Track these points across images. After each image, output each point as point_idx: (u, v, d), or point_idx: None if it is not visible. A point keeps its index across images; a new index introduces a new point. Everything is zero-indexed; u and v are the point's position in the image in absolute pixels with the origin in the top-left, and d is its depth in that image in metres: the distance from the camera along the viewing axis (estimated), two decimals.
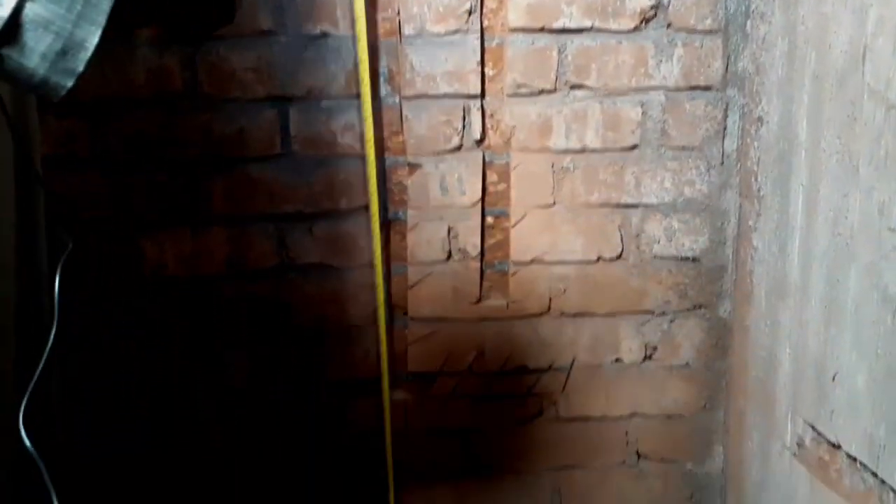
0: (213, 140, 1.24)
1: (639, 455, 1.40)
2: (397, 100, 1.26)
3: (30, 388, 0.80)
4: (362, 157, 1.26)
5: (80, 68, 0.69)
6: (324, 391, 1.33)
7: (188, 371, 1.29)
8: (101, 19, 0.69)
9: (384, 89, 1.26)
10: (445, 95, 1.25)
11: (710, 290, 1.35)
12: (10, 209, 0.84)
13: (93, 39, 0.68)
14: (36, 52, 0.67)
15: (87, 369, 1.26)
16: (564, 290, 1.33)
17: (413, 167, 1.27)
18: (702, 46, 1.27)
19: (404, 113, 1.26)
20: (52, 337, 0.82)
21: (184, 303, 1.28)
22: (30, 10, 0.66)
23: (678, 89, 1.28)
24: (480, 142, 1.28)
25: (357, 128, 1.25)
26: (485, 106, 1.28)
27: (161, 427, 1.30)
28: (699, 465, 1.41)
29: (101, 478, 1.29)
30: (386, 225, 1.30)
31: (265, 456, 1.33)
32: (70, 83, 0.70)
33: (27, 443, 0.79)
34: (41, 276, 0.88)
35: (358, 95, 1.24)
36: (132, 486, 1.30)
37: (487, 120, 1.28)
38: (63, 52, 0.68)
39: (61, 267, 0.85)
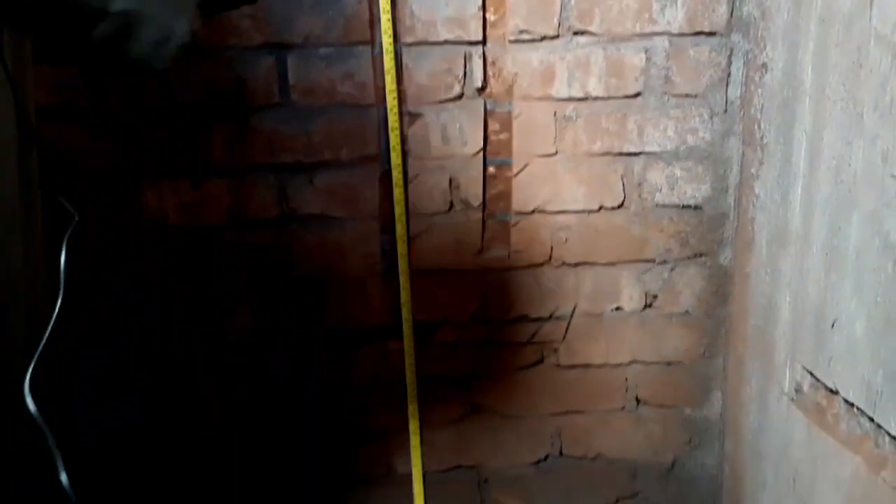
0: (211, 90, 1.22)
1: (638, 401, 1.42)
2: (398, 48, 1.24)
3: (35, 357, 0.80)
4: (363, 107, 1.25)
5: (175, 54, 0.77)
6: (324, 342, 1.34)
7: (190, 323, 1.31)
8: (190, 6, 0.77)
9: (381, 37, 1.23)
10: (446, 42, 1.23)
11: (711, 238, 1.35)
12: (12, 167, 0.83)
13: (184, 27, 0.76)
14: (143, 43, 0.74)
15: (87, 331, 1.27)
16: (566, 240, 1.33)
17: (413, 117, 1.26)
18: None
19: (404, 61, 1.24)
20: (57, 308, 0.82)
21: (184, 253, 1.28)
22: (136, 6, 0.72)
23: (682, 35, 1.26)
24: (482, 90, 1.27)
25: (357, 76, 1.23)
26: (486, 53, 1.26)
27: (162, 384, 1.32)
28: (698, 411, 1.43)
29: (105, 444, 1.31)
30: (385, 175, 1.29)
31: (267, 405, 1.35)
32: (165, 66, 0.78)
33: (33, 409, 0.80)
34: (38, 236, 0.87)
35: (358, 43, 1.22)
36: (135, 449, 1.33)
37: (489, 68, 1.26)
38: (162, 41, 0.75)
39: (66, 240, 0.85)
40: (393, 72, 1.23)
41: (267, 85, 1.23)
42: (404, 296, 1.32)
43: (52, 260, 0.84)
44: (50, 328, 0.81)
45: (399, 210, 1.29)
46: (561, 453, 1.43)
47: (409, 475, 1.41)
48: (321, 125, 1.25)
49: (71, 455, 0.84)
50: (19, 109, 0.81)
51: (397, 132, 1.26)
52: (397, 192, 1.28)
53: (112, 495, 1.29)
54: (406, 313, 1.33)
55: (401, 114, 1.26)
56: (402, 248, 1.30)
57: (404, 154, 1.28)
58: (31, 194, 0.84)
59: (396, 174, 1.27)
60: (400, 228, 1.29)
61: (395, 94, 1.24)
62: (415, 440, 1.38)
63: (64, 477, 0.82)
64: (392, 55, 1.22)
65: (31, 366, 0.80)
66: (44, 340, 0.81)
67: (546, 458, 1.44)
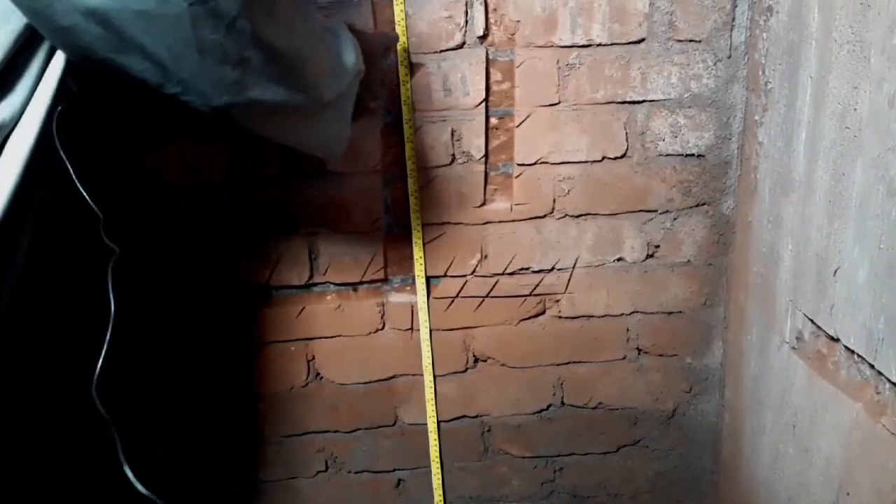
0: None
1: (639, 350, 1.44)
2: None
3: (100, 362, 0.90)
4: None
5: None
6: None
7: (195, 277, 1.31)
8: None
9: None
10: None
11: (714, 187, 1.34)
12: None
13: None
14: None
15: None
16: (568, 192, 1.32)
17: (415, 67, 1.24)
18: None
19: (405, 9, 1.22)
20: (110, 328, 0.91)
21: (186, 209, 1.28)
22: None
23: None
24: (483, 38, 1.25)
25: (356, 25, 1.21)
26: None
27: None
28: (698, 359, 1.45)
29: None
30: (388, 127, 1.28)
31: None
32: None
33: (102, 410, 0.91)
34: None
35: None
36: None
37: (490, 14, 1.24)
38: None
39: (111, 270, 0.92)
40: (404, 23, 1.21)
41: None
42: (417, 252, 1.32)
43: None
44: (107, 340, 0.91)
45: (411, 165, 1.28)
46: (563, 403, 1.45)
47: (416, 424, 1.44)
48: None
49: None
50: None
51: (408, 85, 1.24)
52: (409, 148, 1.27)
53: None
54: (419, 269, 1.33)
55: (410, 65, 1.24)
56: (414, 203, 1.30)
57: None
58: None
59: (408, 129, 1.26)
60: (412, 184, 1.29)
61: (405, 45, 1.22)
62: (429, 393, 1.40)
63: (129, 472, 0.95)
64: (402, 6, 1.20)
65: (97, 371, 0.90)
66: (104, 350, 0.90)
67: (548, 407, 1.45)
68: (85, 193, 0.84)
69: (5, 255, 0.78)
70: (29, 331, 1.23)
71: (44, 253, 1.16)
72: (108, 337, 0.90)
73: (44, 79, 0.75)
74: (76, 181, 0.83)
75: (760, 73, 1.23)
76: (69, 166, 0.81)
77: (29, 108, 0.75)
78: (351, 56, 0.98)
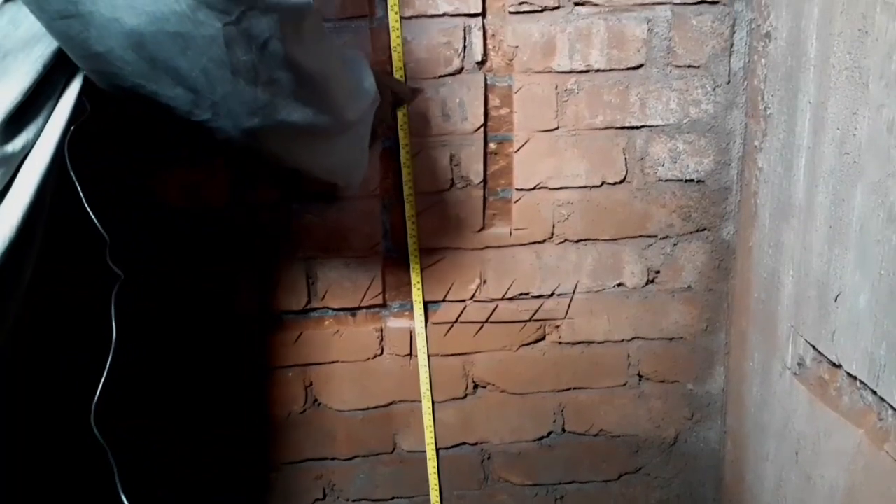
0: None
1: (640, 377, 1.42)
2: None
3: (99, 389, 0.89)
4: None
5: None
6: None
7: (192, 303, 1.31)
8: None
9: (379, 10, 1.22)
10: (445, 15, 1.22)
11: (714, 213, 1.34)
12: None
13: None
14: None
15: None
16: (567, 217, 1.32)
17: (413, 92, 1.25)
18: None
19: (403, 35, 1.22)
20: (111, 353, 0.91)
21: (185, 234, 1.28)
22: None
23: (685, 4, 1.23)
24: (482, 64, 1.25)
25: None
26: (486, 25, 1.24)
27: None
28: (700, 386, 1.43)
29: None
30: (387, 152, 1.28)
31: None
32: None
33: (99, 438, 0.90)
34: None
35: (355, 17, 1.20)
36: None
37: (489, 40, 1.25)
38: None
39: (115, 297, 0.92)
40: (400, 49, 1.21)
41: None
42: (414, 277, 1.32)
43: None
44: (107, 368, 0.90)
45: (407, 190, 1.28)
46: (563, 430, 1.44)
47: (415, 452, 1.42)
48: None
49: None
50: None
51: (405, 110, 1.24)
52: (405, 173, 1.27)
53: None
54: (416, 294, 1.32)
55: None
56: (410, 228, 1.29)
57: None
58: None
59: (404, 154, 1.26)
60: (409, 209, 1.29)
61: (402, 72, 1.22)
62: (428, 420, 1.39)
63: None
64: (398, 32, 1.20)
65: (96, 398, 0.89)
66: (103, 377, 0.89)
67: (549, 434, 1.44)
68: (93, 216, 0.84)
69: (12, 275, 0.77)
70: (29, 356, 1.23)
71: (48, 276, 1.17)
72: (108, 364, 0.89)
73: (61, 100, 0.75)
74: (85, 203, 0.82)
75: (759, 98, 1.23)
76: (79, 187, 0.81)
77: (45, 131, 0.74)
78: (370, 81, 1.00)
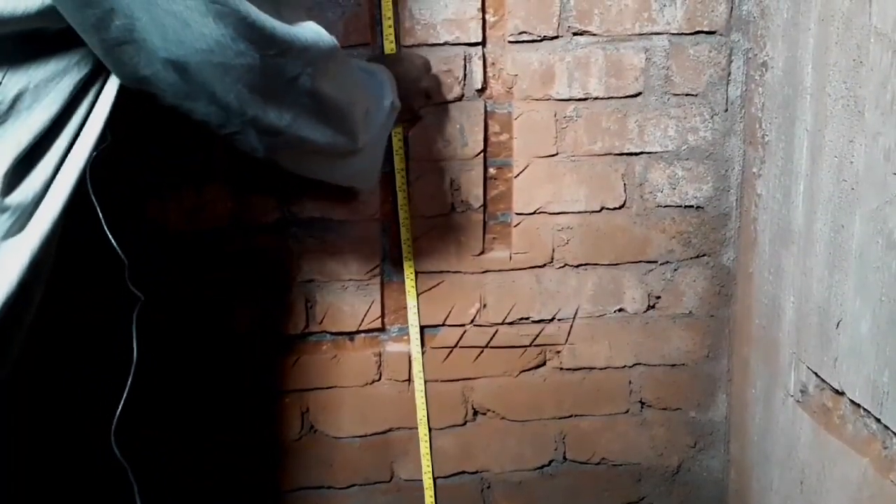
0: None
1: (642, 404, 1.41)
2: (399, 51, 1.23)
3: (119, 408, 0.93)
4: None
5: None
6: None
7: (192, 321, 1.30)
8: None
9: (381, 38, 1.23)
10: (446, 44, 1.23)
11: (714, 238, 1.34)
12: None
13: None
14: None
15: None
16: (567, 241, 1.32)
17: (413, 119, 1.26)
18: None
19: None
20: (132, 372, 0.94)
21: (185, 257, 1.28)
22: None
23: (682, 34, 1.25)
24: (482, 91, 1.26)
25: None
26: (486, 54, 1.25)
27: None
28: (702, 413, 1.42)
29: None
30: (387, 176, 1.28)
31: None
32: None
33: (119, 455, 0.94)
34: None
35: (357, 45, 1.22)
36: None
37: (489, 69, 1.26)
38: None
39: (136, 317, 0.96)
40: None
41: None
42: (411, 301, 1.32)
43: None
44: (127, 388, 0.93)
45: (403, 214, 1.28)
46: (565, 458, 1.42)
47: (413, 480, 1.40)
48: None
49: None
50: None
51: (400, 136, 1.25)
52: (401, 197, 1.27)
53: None
54: (413, 319, 1.32)
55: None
56: (406, 252, 1.30)
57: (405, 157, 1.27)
58: None
59: (400, 179, 1.27)
60: (405, 232, 1.29)
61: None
62: (424, 448, 1.37)
63: None
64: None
65: (116, 417, 0.93)
66: (123, 398, 0.93)
67: (550, 462, 1.42)
68: (112, 239, 0.87)
69: (26, 299, 0.79)
70: (48, 378, 1.23)
71: (68, 300, 1.17)
72: (128, 385, 0.93)
73: (86, 126, 0.80)
74: (105, 227, 0.86)
75: (757, 126, 1.24)
76: (99, 212, 0.84)
77: (71, 155, 0.79)
78: (389, 96, 1.08)
